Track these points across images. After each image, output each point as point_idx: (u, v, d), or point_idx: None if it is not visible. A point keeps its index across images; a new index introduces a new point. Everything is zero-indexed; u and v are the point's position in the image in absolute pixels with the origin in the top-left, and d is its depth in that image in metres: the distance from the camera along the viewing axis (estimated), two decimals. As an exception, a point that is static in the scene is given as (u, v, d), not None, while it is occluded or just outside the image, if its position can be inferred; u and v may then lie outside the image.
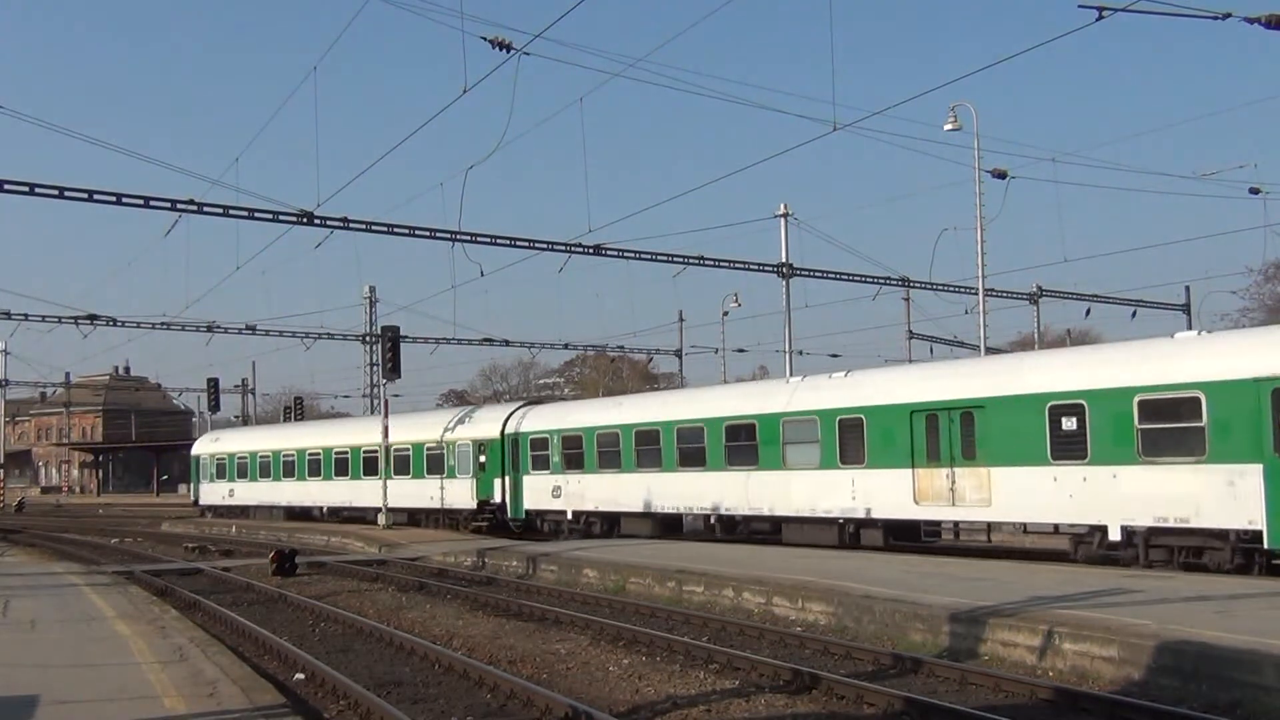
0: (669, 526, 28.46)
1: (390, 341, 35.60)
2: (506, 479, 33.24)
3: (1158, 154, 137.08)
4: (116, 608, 16.84)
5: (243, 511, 46.58)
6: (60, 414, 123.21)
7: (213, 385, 54.61)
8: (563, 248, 34.11)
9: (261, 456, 46.17)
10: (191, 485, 52.39)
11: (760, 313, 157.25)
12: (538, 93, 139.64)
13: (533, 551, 25.09)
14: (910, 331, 50.68)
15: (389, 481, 36.91)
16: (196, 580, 24.44)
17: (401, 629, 16.04)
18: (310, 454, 42.90)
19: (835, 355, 58.14)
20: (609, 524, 29.91)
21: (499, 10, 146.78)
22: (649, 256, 36.75)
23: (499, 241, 33.17)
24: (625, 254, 36.10)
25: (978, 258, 33.07)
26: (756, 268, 38.76)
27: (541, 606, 17.95)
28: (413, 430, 38.10)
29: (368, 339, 52.17)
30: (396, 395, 61.56)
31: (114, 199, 27.31)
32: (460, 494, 35.04)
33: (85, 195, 27.01)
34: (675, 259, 37.01)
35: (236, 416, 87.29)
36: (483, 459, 34.27)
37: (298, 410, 74.75)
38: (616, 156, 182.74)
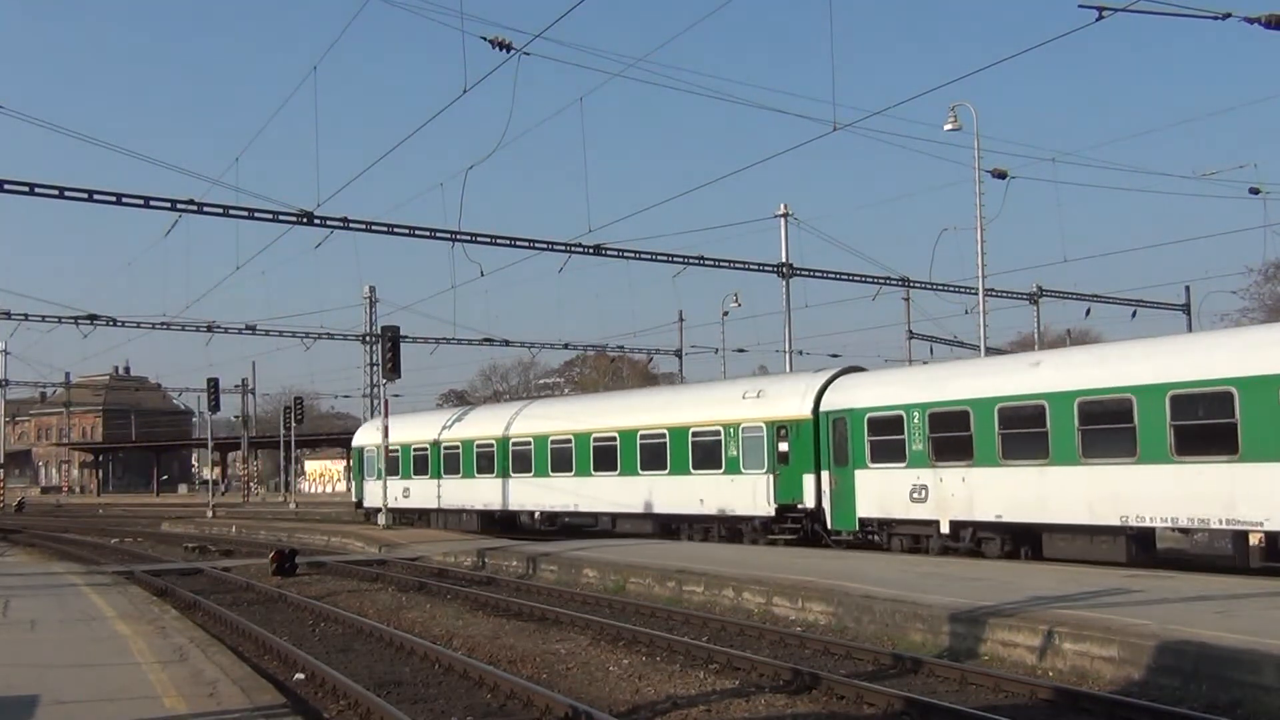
0: (1142, 545, 19.12)
1: (390, 341, 35.55)
2: (825, 474, 24.35)
3: (1158, 154, 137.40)
4: (116, 608, 16.84)
5: (421, 516, 38.49)
6: (60, 414, 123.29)
7: (213, 385, 54.50)
8: (563, 248, 34.16)
9: (447, 447, 37.08)
10: (354, 482, 43.38)
11: (760, 313, 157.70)
12: (538, 93, 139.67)
13: (533, 551, 25.09)
14: (910, 331, 50.72)
15: (635, 478, 29.09)
16: (196, 580, 24.43)
17: (401, 629, 16.04)
18: (517, 442, 33.76)
19: (835, 355, 58.15)
20: (1017, 540, 20.92)
21: (499, 10, 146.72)
22: (649, 256, 36.79)
23: (499, 241, 33.21)
24: (625, 254, 36.15)
25: (978, 258, 33.08)
26: (756, 268, 38.80)
27: (541, 606, 17.95)
28: (668, 410, 29.49)
29: (368, 339, 52.24)
30: (396, 395, 61.62)
31: (114, 199, 27.34)
32: (748, 495, 25.97)
33: (85, 195, 27.05)
34: (675, 259, 37.06)
35: (236, 416, 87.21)
36: (783, 447, 25.27)
37: (298, 410, 74.78)
38: (616, 156, 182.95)
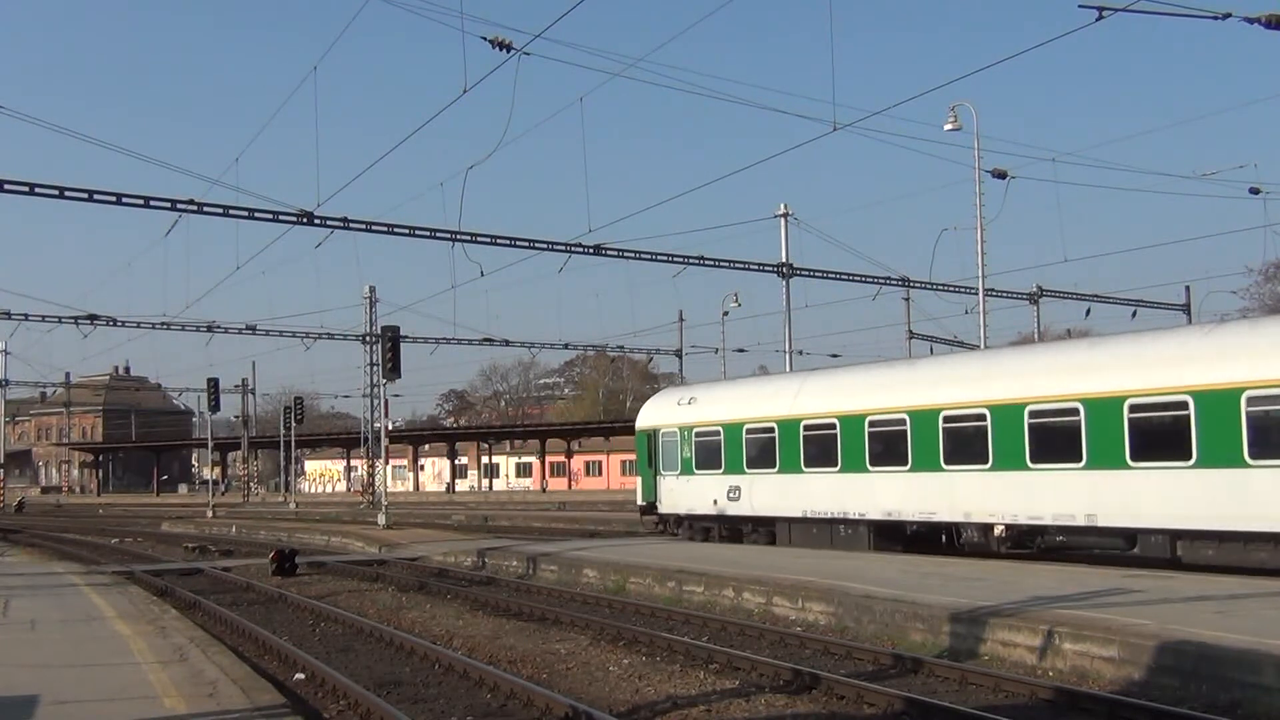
0: None
1: (390, 341, 35.53)
2: None
3: (1158, 154, 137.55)
4: (116, 608, 16.84)
5: (763, 527, 25.79)
6: (60, 414, 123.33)
7: (213, 385, 54.53)
8: (563, 248, 34.16)
9: (811, 426, 24.35)
10: (641, 478, 29.93)
11: (760, 313, 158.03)
12: (538, 93, 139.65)
13: (533, 551, 25.09)
14: (910, 331, 50.67)
15: (1234, 472, 16.54)
16: (196, 580, 24.43)
17: (401, 629, 16.03)
18: (953, 416, 21.18)
19: (835, 355, 58.16)
20: None
21: (499, 10, 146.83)
22: (649, 256, 36.80)
23: (499, 241, 33.21)
24: (625, 254, 36.15)
25: (978, 258, 33.10)
26: (756, 268, 38.79)
27: (541, 606, 17.95)
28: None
29: (368, 339, 52.32)
30: (396, 395, 61.63)
31: (114, 199, 27.36)
32: None
33: (85, 195, 27.06)
34: (675, 259, 37.06)
35: (236, 416, 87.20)
36: None
37: (298, 410, 74.77)
38: (616, 156, 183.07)
